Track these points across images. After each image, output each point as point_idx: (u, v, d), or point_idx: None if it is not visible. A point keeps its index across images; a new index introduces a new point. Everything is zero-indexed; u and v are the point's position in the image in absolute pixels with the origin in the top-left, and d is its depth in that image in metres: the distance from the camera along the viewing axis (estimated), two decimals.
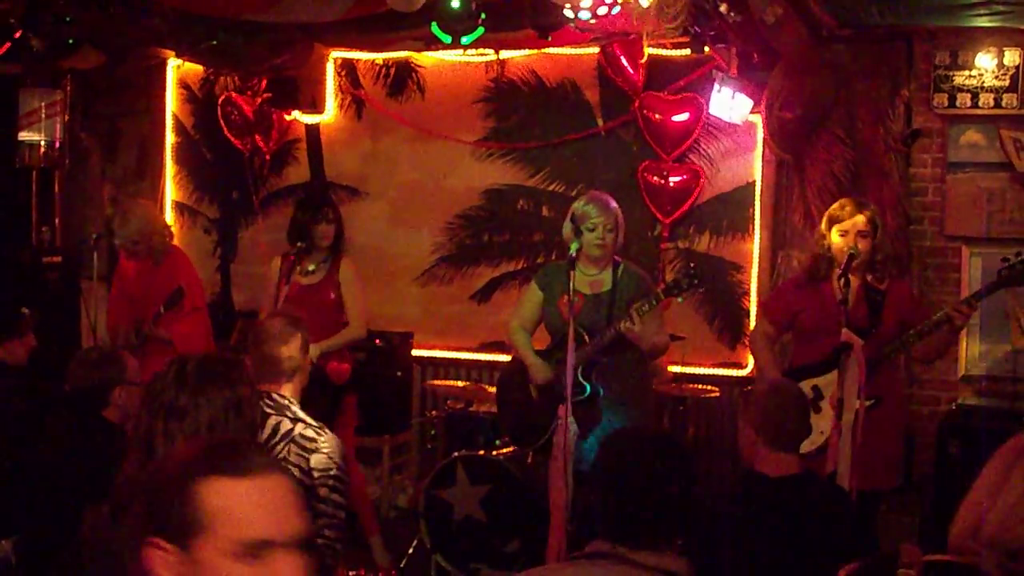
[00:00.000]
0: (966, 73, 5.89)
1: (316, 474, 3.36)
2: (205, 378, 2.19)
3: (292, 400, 3.55)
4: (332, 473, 3.38)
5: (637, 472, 2.64)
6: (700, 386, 6.06)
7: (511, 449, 5.46)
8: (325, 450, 3.39)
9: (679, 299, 4.87)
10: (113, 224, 5.95)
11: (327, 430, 3.50)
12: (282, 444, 3.40)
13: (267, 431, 3.42)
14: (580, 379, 4.65)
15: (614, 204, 4.83)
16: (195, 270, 6.12)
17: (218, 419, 2.15)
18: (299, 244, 5.46)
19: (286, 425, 3.44)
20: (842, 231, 4.58)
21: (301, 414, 3.51)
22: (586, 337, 4.68)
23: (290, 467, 3.35)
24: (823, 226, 4.68)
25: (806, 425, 3.43)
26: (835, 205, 4.73)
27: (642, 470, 2.64)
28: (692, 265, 4.94)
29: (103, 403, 3.88)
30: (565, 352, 4.32)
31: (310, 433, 3.43)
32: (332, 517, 3.36)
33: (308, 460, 3.37)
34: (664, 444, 2.75)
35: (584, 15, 4.56)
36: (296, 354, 3.60)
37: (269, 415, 3.46)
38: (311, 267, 5.48)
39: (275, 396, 3.52)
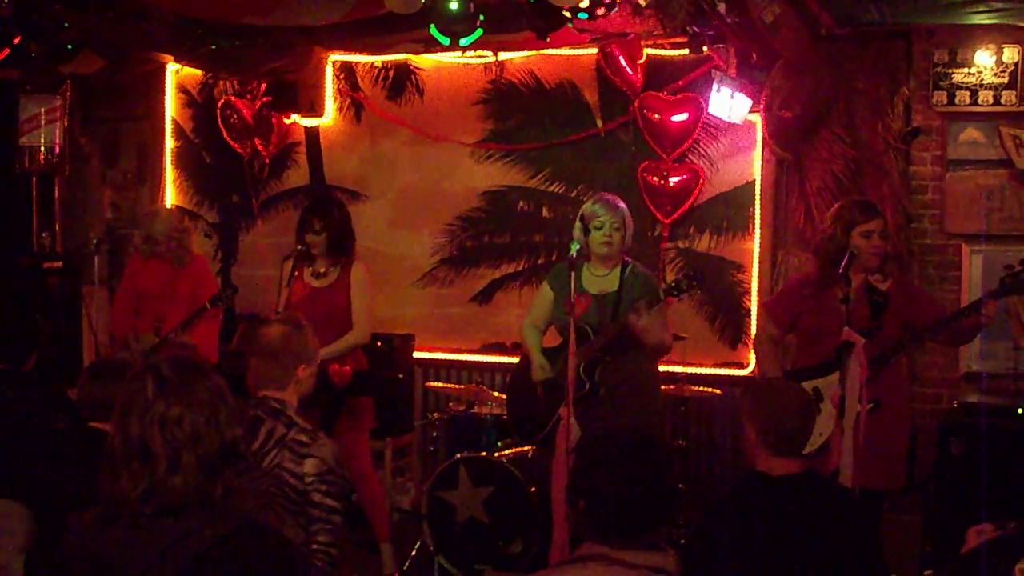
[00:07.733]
0: (965, 71, 5.89)
1: (309, 479, 3.35)
2: (185, 379, 2.20)
3: (289, 405, 3.52)
4: (326, 478, 3.37)
5: (611, 474, 2.64)
6: (701, 387, 6.05)
7: (513, 450, 5.47)
8: (318, 454, 3.38)
9: (678, 298, 4.88)
10: (141, 225, 6.34)
11: (321, 434, 3.49)
12: (275, 450, 3.39)
13: (261, 437, 3.41)
14: (581, 375, 4.67)
15: (622, 204, 4.89)
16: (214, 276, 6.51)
17: (212, 412, 2.18)
18: (299, 247, 5.48)
19: (279, 431, 3.43)
20: (865, 232, 4.54)
21: (296, 418, 3.49)
22: (591, 335, 4.70)
23: (284, 473, 3.35)
24: (837, 228, 4.58)
25: (809, 428, 3.36)
26: (852, 208, 4.64)
27: (616, 472, 2.64)
28: (694, 270, 4.97)
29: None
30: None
31: (303, 437, 3.41)
32: (326, 522, 3.36)
33: (302, 465, 3.36)
34: (638, 444, 2.74)
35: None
36: (298, 359, 3.58)
37: (263, 420, 3.46)
38: (321, 270, 5.48)
39: (271, 401, 3.50)
